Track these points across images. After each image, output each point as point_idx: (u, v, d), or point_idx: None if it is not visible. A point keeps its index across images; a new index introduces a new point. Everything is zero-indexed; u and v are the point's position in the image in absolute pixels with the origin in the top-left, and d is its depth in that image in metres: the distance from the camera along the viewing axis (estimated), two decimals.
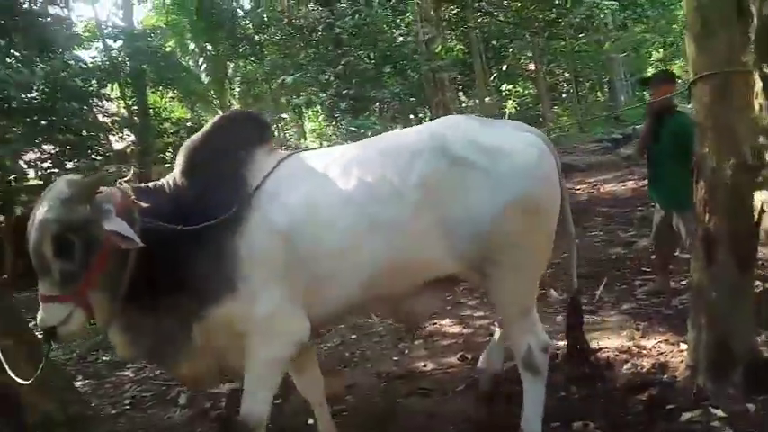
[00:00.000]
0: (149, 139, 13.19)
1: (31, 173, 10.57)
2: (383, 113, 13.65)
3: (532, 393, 2.68)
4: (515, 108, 21.32)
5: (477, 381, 3.54)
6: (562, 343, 3.90)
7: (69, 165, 11.13)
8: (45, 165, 11.15)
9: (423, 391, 3.54)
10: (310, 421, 3.23)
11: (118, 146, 14.81)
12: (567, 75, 24.53)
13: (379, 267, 2.43)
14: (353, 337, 4.84)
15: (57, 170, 11.26)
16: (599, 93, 26.91)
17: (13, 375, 2.28)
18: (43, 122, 8.79)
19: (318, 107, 19.10)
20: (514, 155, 2.45)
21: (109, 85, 12.32)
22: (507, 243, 2.43)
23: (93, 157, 12.45)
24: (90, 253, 2.16)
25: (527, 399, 2.70)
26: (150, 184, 2.50)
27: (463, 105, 19.59)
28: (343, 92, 11.68)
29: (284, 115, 18.09)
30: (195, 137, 2.55)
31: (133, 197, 2.29)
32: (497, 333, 3.29)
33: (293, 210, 2.40)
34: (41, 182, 11.27)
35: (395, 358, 4.22)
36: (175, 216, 2.30)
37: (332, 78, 10.17)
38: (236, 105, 20.78)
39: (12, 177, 10.27)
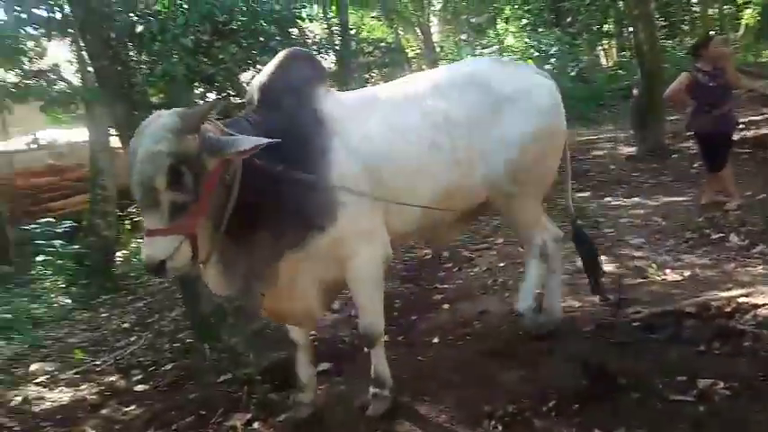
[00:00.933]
0: (349, 59, 13.79)
1: None
2: (569, 27, 12.58)
3: (534, 273, 3.25)
4: (754, 18, 18.15)
5: (609, 324, 3.39)
6: (724, 294, 3.55)
7: None
8: None
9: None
10: None
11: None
12: None
13: (437, 194, 2.78)
14: (501, 265, 4.83)
15: None
16: None
17: None
18: (250, 45, 9.61)
19: (523, 21, 18.34)
20: (538, 91, 2.95)
21: (310, 6, 12.96)
22: (531, 166, 2.91)
23: None
24: (198, 184, 2.19)
25: (529, 276, 3.27)
26: (229, 120, 2.62)
27: (684, 19, 17.18)
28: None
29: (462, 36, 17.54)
30: (265, 73, 2.69)
31: (225, 129, 2.39)
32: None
33: (368, 137, 2.65)
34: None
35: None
36: (265, 148, 2.33)
37: None
38: (435, 22, 20.73)
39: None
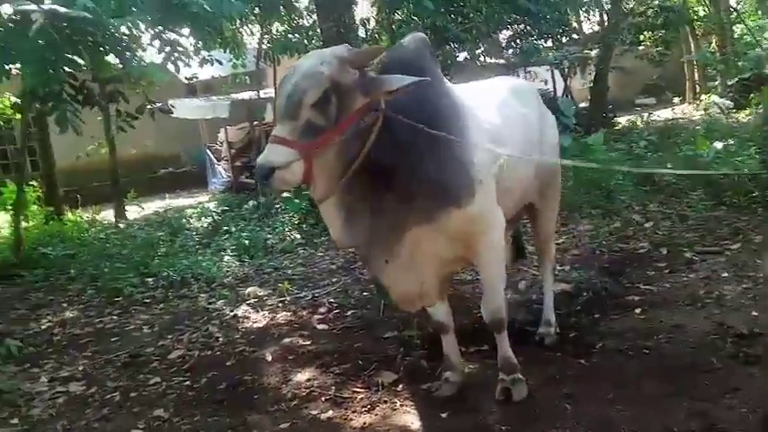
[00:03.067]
0: (615, 20, 12.68)
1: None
2: None
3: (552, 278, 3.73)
4: None
5: None
6: None
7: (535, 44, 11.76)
8: (511, 45, 12.14)
9: (749, 361, 2.90)
10: None
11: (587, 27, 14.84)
12: None
13: (522, 186, 3.04)
14: (725, 275, 4.11)
15: (519, 48, 12.13)
16: None
17: None
18: (502, 6, 9.44)
19: None
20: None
21: None
22: (555, 173, 3.48)
23: (558, 38, 12.87)
24: (338, 117, 2.21)
25: (550, 282, 3.66)
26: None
27: None
28: None
29: None
30: (404, 47, 2.70)
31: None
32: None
33: (491, 124, 2.77)
34: (503, 62, 12.37)
35: (754, 313, 3.46)
36: (409, 110, 2.35)
37: None
38: None
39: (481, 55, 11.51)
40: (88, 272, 5.94)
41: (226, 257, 6.08)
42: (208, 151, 12.59)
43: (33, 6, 3.97)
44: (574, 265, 4.70)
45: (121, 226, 8.38)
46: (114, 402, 3.31)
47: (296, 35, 7.82)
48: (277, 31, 8.68)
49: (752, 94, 12.78)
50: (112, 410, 3.22)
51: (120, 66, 5.28)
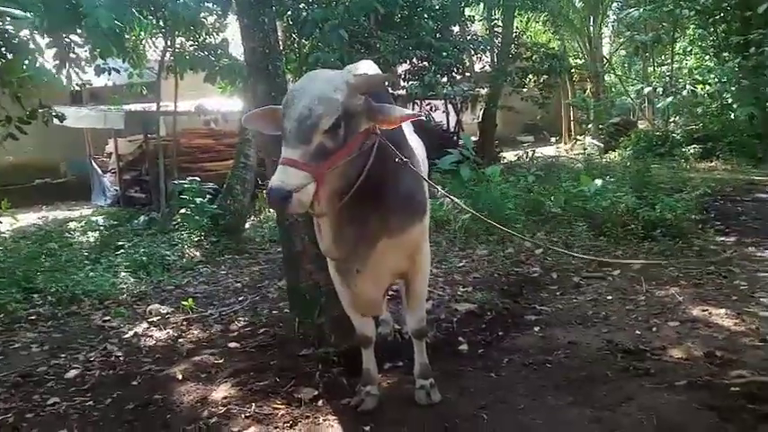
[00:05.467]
0: (504, 62, 13.59)
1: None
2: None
3: None
4: None
5: (704, 383, 3.09)
6: None
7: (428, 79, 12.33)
8: (411, 78, 12.62)
9: (638, 373, 3.24)
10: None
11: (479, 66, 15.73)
12: None
13: None
14: (609, 298, 4.56)
15: (418, 82, 12.64)
16: None
17: None
18: (408, 38, 9.82)
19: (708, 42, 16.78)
20: None
21: (476, 5, 12.94)
22: None
23: (452, 74, 13.55)
24: (346, 137, 2.29)
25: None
26: None
27: None
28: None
29: None
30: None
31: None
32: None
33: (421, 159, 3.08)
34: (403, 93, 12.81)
35: (637, 332, 3.87)
36: (387, 135, 2.51)
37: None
38: (606, 33, 19.68)
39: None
40: None
41: (121, 273, 5.77)
42: (93, 163, 11.87)
43: None
44: (476, 286, 4.96)
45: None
46: (9, 424, 3.06)
47: (203, 52, 7.69)
48: (181, 45, 8.46)
49: (621, 137, 14.18)
50: None
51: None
